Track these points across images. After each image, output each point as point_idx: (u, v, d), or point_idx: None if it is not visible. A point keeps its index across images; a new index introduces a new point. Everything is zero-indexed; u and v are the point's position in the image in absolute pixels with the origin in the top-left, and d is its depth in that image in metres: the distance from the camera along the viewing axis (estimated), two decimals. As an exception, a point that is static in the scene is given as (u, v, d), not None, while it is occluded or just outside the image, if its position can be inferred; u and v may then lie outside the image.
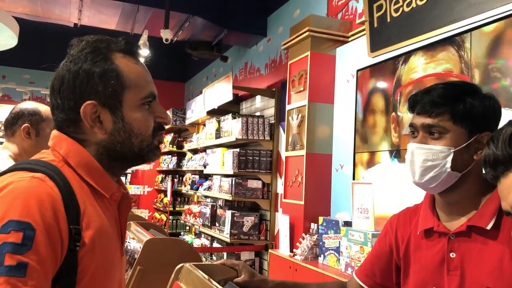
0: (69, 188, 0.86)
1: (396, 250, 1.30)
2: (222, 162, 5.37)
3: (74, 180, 0.89)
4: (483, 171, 0.99)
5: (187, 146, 7.39)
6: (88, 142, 0.95)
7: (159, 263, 1.77)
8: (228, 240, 4.87)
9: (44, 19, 5.62)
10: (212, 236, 5.72)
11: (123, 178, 9.22)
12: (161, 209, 8.33)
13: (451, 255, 1.14)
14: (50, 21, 5.71)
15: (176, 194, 8.13)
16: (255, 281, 1.26)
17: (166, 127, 1.10)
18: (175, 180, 8.01)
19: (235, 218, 4.88)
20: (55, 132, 0.97)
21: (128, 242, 1.87)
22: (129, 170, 9.02)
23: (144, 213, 7.97)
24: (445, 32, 2.57)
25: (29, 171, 0.85)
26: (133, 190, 8.36)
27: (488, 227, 1.09)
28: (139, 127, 0.96)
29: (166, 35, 4.63)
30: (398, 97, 2.97)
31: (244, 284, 1.23)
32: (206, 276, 1.11)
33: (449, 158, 1.11)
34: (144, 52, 5.06)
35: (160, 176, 8.95)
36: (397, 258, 1.30)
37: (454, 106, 1.12)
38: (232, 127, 5.12)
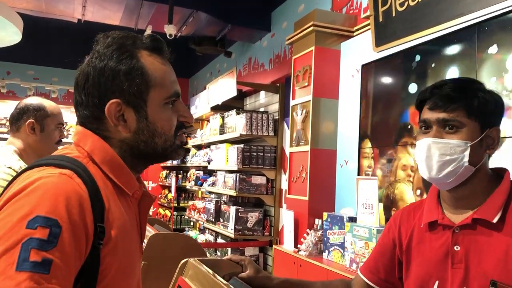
0: (95, 186, 0.85)
1: (399, 245, 1.30)
2: (226, 158, 5.36)
3: (99, 177, 0.89)
4: None
5: (191, 142, 7.38)
6: (112, 140, 0.94)
7: (163, 258, 1.77)
8: (232, 235, 4.87)
9: (48, 15, 5.62)
10: (216, 232, 5.72)
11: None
12: (166, 205, 8.34)
13: (455, 248, 1.14)
14: (54, 17, 5.70)
15: (181, 190, 8.14)
16: (260, 277, 1.26)
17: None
18: (179, 176, 8.01)
19: (239, 213, 4.88)
20: (79, 128, 0.96)
21: (133, 237, 1.87)
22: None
23: (148, 209, 7.98)
24: (452, 26, 2.55)
25: (57, 167, 0.84)
26: (137, 185, 8.39)
27: (494, 221, 1.09)
28: (163, 127, 0.95)
29: (170, 30, 4.61)
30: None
31: (248, 280, 1.23)
32: (211, 271, 1.11)
33: (467, 152, 1.11)
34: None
35: (164, 172, 8.95)
36: (399, 253, 1.30)
37: (469, 100, 1.12)
38: (236, 123, 5.11)
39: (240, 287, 1.05)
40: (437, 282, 1.17)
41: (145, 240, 1.82)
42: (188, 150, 7.84)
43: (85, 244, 0.80)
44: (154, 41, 0.97)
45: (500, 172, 1.18)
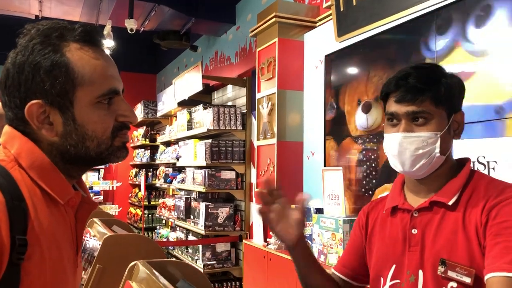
0: (17, 193, 0.76)
1: (365, 233, 1.29)
2: (194, 154, 5.28)
3: (25, 183, 0.79)
4: None
5: (160, 139, 7.27)
6: (41, 143, 0.84)
7: (119, 261, 1.69)
8: (203, 232, 4.81)
9: (2, 12, 5.39)
10: (187, 229, 5.65)
11: (95, 173, 9.03)
12: (136, 203, 8.20)
13: (413, 231, 1.14)
14: (9, 14, 5.48)
15: (151, 188, 8.01)
16: (301, 240, 1.22)
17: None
18: (149, 174, 7.89)
19: (209, 210, 4.82)
20: (7, 128, 0.86)
21: (87, 240, 1.79)
22: (101, 166, 8.85)
23: (114, 209, 7.81)
24: (411, 14, 2.54)
25: None
26: (101, 185, 8.18)
27: (450, 203, 1.09)
28: (94, 129, 0.85)
29: (130, 25, 4.49)
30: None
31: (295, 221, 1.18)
32: (158, 274, 1.05)
33: (437, 143, 1.10)
34: (109, 43, 4.90)
35: (134, 170, 8.80)
36: (365, 240, 1.29)
37: (435, 90, 1.10)
38: (204, 118, 5.03)
39: (187, 290, 1.00)
40: (394, 266, 1.16)
41: (100, 242, 1.75)
42: (157, 148, 7.72)
43: None
44: (85, 33, 0.86)
45: (463, 161, 1.18)
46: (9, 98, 0.83)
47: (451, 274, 1.03)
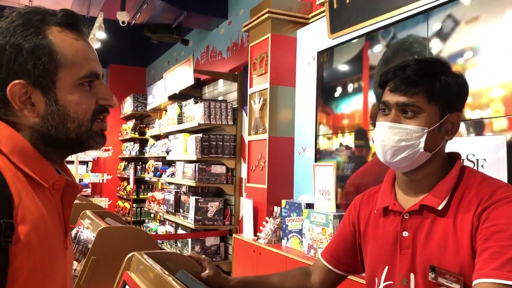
0: (0, 179, 0.77)
1: (358, 229, 1.30)
2: (185, 148, 5.28)
3: (8, 169, 0.80)
4: None
5: (149, 133, 7.23)
6: (21, 126, 0.85)
7: (113, 253, 1.70)
8: (192, 226, 4.82)
9: (-9, 1, 5.32)
10: (176, 223, 5.66)
11: (84, 166, 8.96)
12: (125, 197, 8.17)
13: (404, 234, 1.14)
14: (-2, 3, 5.40)
15: (140, 181, 7.99)
16: (219, 279, 1.22)
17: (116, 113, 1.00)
18: (138, 167, 7.86)
19: (199, 204, 4.83)
20: None
21: (81, 231, 1.80)
22: (89, 158, 8.78)
23: (104, 202, 7.78)
24: (404, 12, 2.57)
25: None
26: (91, 178, 8.13)
27: (439, 208, 1.09)
28: (76, 110, 0.86)
29: (122, 17, 4.46)
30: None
31: (207, 280, 1.19)
32: (157, 265, 1.06)
33: (423, 139, 1.09)
34: (100, 35, 4.86)
35: (122, 164, 8.75)
36: (358, 237, 1.30)
37: (430, 84, 1.08)
38: (194, 112, 5.03)
39: (186, 279, 1.02)
40: (386, 267, 1.17)
41: (94, 234, 1.75)
42: (146, 141, 7.69)
43: None
44: (66, 16, 0.88)
45: (453, 157, 1.17)
46: None
47: (441, 280, 1.04)
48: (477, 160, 2.04)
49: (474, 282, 0.96)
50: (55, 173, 0.89)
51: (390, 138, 1.10)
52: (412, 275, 1.10)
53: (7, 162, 0.82)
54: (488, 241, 0.97)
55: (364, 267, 1.29)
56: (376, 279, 1.20)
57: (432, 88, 1.08)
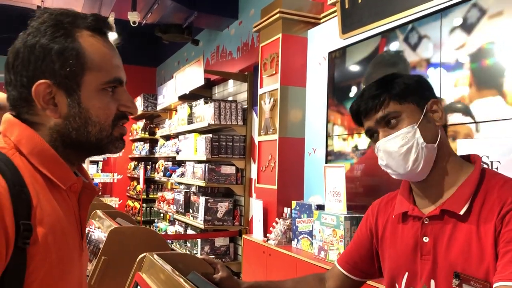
0: (19, 179, 0.77)
1: (375, 235, 1.29)
2: (195, 148, 5.28)
3: (26, 170, 0.81)
4: None
5: (159, 133, 7.26)
6: (41, 126, 0.86)
7: (124, 253, 1.70)
8: (202, 226, 4.82)
9: (5, 1, 5.37)
10: (186, 223, 5.66)
11: (94, 166, 9.03)
12: (134, 196, 8.21)
13: (424, 239, 1.12)
14: (11, 3, 5.46)
15: (149, 181, 8.01)
16: (231, 282, 1.22)
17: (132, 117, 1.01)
18: (148, 167, 7.89)
19: (208, 204, 4.83)
20: (6, 116, 0.87)
21: (92, 231, 1.80)
22: (100, 158, 8.83)
23: (114, 202, 7.82)
24: (417, 12, 2.54)
25: None
26: (102, 178, 8.17)
27: (461, 213, 1.07)
28: (98, 115, 0.87)
29: (133, 17, 4.48)
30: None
31: (220, 281, 1.20)
32: (169, 266, 1.06)
33: (418, 134, 1.10)
34: (111, 35, 4.88)
35: (132, 164, 8.79)
36: (376, 243, 1.29)
37: (390, 90, 1.13)
38: (204, 112, 5.03)
39: (198, 281, 1.01)
40: (406, 273, 1.15)
41: (105, 234, 1.75)
42: (156, 141, 7.71)
43: (5, 243, 0.72)
44: (97, 21, 0.88)
45: (472, 160, 1.16)
46: (15, 77, 0.85)
47: (465, 287, 1.02)
48: (491, 162, 2.00)
49: (495, 285, 0.95)
50: (72, 175, 0.89)
51: (392, 150, 1.12)
52: (432, 282, 1.09)
53: (26, 163, 0.82)
54: (510, 244, 0.96)
55: (383, 272, 1.28)
56: (397, 285, 1.19)
57: (394, 92, 1.13)
